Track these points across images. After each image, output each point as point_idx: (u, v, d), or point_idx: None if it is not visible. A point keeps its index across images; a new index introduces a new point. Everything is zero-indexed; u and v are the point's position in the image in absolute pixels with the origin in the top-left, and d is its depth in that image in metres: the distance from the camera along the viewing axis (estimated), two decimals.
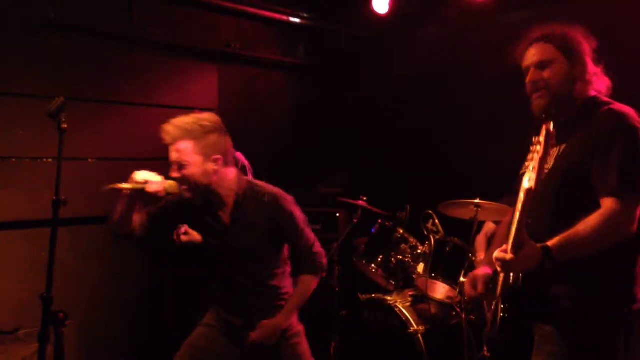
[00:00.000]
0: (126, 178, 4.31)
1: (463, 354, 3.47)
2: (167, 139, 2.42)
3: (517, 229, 1.79)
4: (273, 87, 5.27)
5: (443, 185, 4.26)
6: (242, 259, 2.60)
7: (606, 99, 2.10)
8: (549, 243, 1.85)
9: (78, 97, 3.87)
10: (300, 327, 2.79)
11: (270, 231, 2.56)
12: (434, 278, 3.67)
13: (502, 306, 2.05)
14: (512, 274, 1.89)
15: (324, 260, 2.69)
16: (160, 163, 4.32)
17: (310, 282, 2.67)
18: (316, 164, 5.31)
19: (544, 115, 1.98)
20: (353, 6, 5.03)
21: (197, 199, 2.54)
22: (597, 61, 2.12)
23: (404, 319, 3.57)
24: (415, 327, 3.53)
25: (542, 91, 2.09)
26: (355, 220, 3.99)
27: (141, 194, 2.39)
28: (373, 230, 3.96)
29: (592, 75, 2.09)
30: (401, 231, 3.85)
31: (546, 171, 2.06)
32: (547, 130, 1.76)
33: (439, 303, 3.71)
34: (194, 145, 2.39)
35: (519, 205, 1.81)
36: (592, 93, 2.12)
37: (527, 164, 1.84)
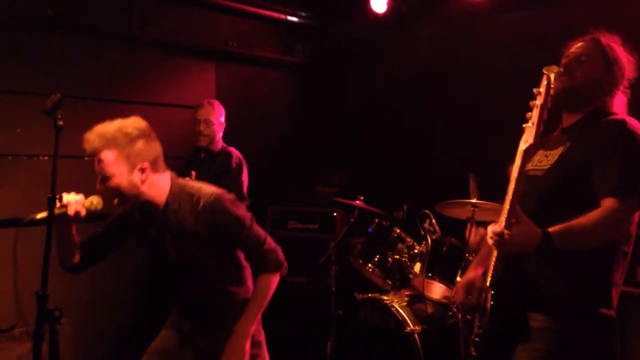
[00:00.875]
0: None
1: (459, 354, 3.46)
2: (88, 149, 2.25)
3: (512, 202, 1.80)
4: (271, 85, 5.28)
5: (440, 185, 4.25)
6: (185, 268, 2.43)
7: (615, 111, 2.14)
8: (550, 229, 1.85)
9: (76, 95, 3.88)
10: (261, 337, 2.57)
11: (212, 238, 2.34)
12: (431, 278, 3.67)
13: (493, 293, 2.06)
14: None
15: (280, 256, 2.45)
16: None
17: (269, 282, 2.43)
18: (314, 163, 5.31)
19: (545, 70, 1.94)
20: (351, 5, 5.03)
21: (130, 211, 2.41)
22: (626, 89, 2.16)
23: (400, 318, 3.56)
24: (412, 326, 3.53)
25: (566, 77, 2.10)
26: (352, 220, 3.99)
27: (65, 219, 2.24)
28: (370, 230, 3.95)
29: (615, 94, 2.13)
30: (398, 231, 3.85)
31: (547, 167, 2.10)
32: (548, 79, 1.74)
33: (436, 303, 3.71)
34: (117, 155, 2.22)
35: (515, 171, 1.81)
36: (604, 103, 2.14)
37: (525, 125, 1.83)
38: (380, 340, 3.69)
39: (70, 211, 2.23)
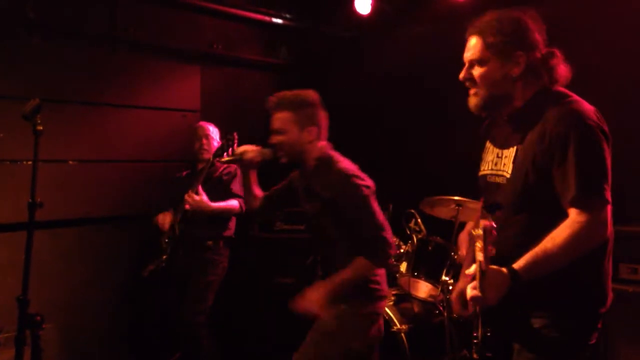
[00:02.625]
0: (107, 180, 4.30)
1: (446, 352, 3.48)
2: (271, 107, 2.69)
3: (480, 268, 1.74)
4: (255, 87, 5.27)
5: (425, 185, 4.27)
6: (315, 225, 2.75)
7: (560, 91, 1.94)
8: (516, 265, 1.77)
9: (59, 99, 3.86)
10: (345, 308, 2.65)
11: (331, 206, 2.61)
12: (417, 277, 3.69)
13: (483, 328, 2.01)
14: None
15: (386, 248, 2.60)
16: (142, 165, 4.35)
17: (362, 264, 2.58)
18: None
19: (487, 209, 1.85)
20: (335, 7, 5.04)
21: (289, 163, 2.74)
22: (546, 47, 1.96)
23: (387, 318, 3.57)
24: (399, 325, 3.54)
25: (474, 89, 1.99)
26: None
27: (243, 163, 2.77)
28: None
29: (536, 70, 1.93)
30: None
31: (507, 174, 1.94)
32: (485, 228, 1.67)
33: (422, 302, 3.73)
34: (292, 115, 2.64)
35: (477, 267, 1.76)
36: (540, 86, 1.95)
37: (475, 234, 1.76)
38: None
39: (247, 156, 2.74)
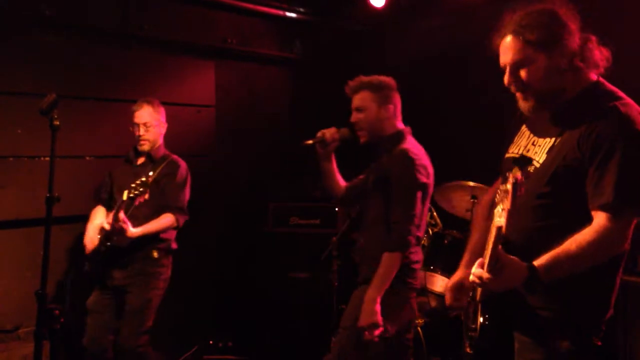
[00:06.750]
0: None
1: (462, 346, 3.46)
2: (350, 91, 2.94)
3: (493, 249, 1.65)
4: (270, 82, 5.27)
5: (440, 178, 4.25)
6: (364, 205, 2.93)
7: (612, 89, 1.89)
8: (536, 263, 1.72)
9: (74, 95, 3.89)
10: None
11: (384, 182, 2.80)
12: (433, 271, 3.67)
13: (483, 317, 1.97)
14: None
15: (404, 239, 2.73)
16: None
17: (389, 260, 2.73)
18: (314, 158, 5.29)
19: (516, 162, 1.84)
20: (350, 0, 5.01)
21: (367, 140, 2.91)
22: (585, 33, 1.89)
23: None
24: (415, 319, 3.53)
25: (524, 92, 1.91)
26: (353, 215, 3.98)
27: (324, 145, 2.94)
28: None
29: (582, 58, 1.87)
30: None
31: (537, 165, 1.90)
32: (515, 179, 1.58)
33: (438, 295, 3.71)
34: (371, 94, 2.88)
35: (490, 239, 1.66)
36: (593, 77, 1.90)
37: (497, 198, 1.67)
38: None
39: (327, 137, 2.92)
